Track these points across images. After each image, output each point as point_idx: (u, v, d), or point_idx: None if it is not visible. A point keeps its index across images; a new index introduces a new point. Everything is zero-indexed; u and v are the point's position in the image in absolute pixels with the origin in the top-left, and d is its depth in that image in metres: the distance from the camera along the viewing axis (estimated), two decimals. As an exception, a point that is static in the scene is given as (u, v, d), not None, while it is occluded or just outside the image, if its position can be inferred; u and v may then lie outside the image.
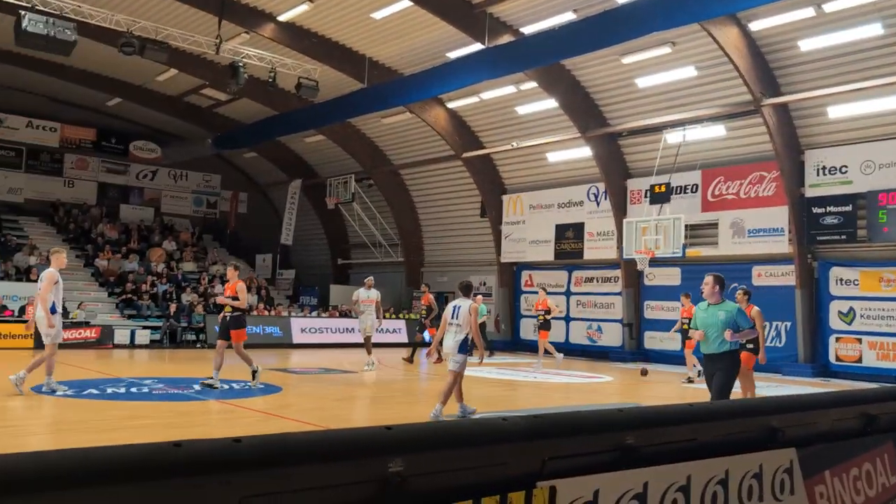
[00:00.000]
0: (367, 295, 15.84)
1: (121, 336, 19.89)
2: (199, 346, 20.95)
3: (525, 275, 24.48)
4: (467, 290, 9.17)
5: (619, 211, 20.83)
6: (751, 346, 10.08)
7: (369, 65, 21.25)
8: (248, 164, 32.26)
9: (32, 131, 27.35)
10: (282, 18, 19.38)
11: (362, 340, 16.15)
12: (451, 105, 22.85)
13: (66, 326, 19.36)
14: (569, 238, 22.58)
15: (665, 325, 20.51)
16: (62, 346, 18.48)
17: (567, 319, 22.80)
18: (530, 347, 23.29)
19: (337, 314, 25.19)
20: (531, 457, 2.66)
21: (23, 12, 15.68)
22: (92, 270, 24.30)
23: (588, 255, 22.11)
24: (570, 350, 22.22)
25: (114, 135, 29.19)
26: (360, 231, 28.97)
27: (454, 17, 18.04)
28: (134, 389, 10.62)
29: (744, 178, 18.74)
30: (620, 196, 21.04)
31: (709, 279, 7.22)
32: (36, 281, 20.97)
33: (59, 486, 1.73)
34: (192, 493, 1.95)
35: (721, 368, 7.08)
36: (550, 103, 20.58)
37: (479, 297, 16.94)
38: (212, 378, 11.03)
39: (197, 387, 10.95)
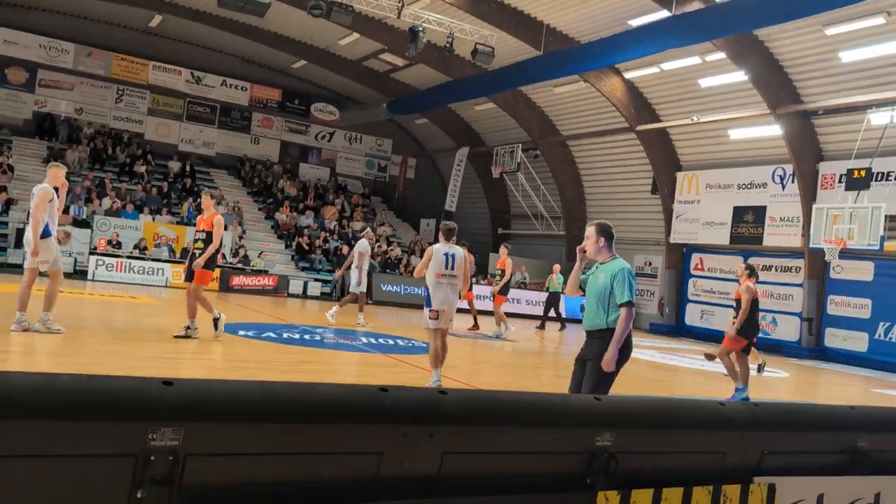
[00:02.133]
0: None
1: (295, 286, 21.06)
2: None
3: (696, 258, 23.29)
4: (451, 234, 7.82)
5: (808, 196, 19.20)
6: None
7: (546, 31, 20.79)
8: (419, 130, 32.88)
9: (226, 90, 29.32)
10: (463, -17, 19.36)
11: (356, 297, 14.18)
12: (628, 75, 21.96)
13: (246, 274, 20.81)
14: (747, 222, 21.16)
15: (850, 323, 18.86)
16: (242, 291, 19.87)
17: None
18: (695, 334, 22.27)
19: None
20: (749, 448, 2.38)
21: (225, -25, 16.74)
22: (272, 223, 25.85)
23: (768, 241, 20.62)
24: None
25: (297, 96, 30.70)
26: (522, 202, 28.76)
27: (641, -18, 17.23)
28: (307, 336, 11.12)
29: (962, 167, 16.66)
30: (810, 180, 19.38)
31: (590, 230, 5.16)
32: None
33: (281, 416, 1.69)
34: (399, 440, 1.87)
35: (595, 356, 4.91)
36: (738, 76, 19.22)
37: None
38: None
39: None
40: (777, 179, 20.41)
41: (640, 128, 22.69)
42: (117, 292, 15.69)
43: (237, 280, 20.11)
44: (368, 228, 15.78)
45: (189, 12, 24.04)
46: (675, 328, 23.11)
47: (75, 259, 19.11)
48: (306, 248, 24.10)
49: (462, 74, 23.46)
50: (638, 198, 25.11)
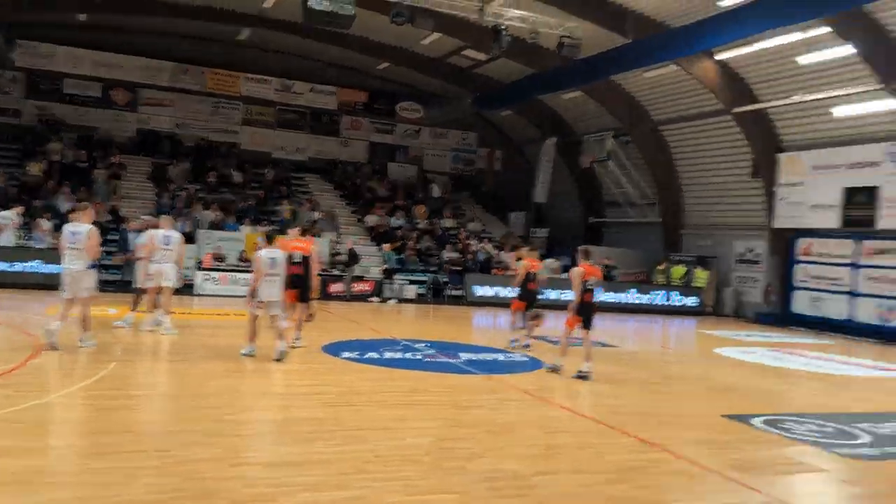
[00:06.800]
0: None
1: (389, 290, 21.33)
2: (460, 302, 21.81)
3: (803, 242, 22.21)
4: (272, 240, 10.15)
5: (926, 174, 17.98)
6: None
7: (633, 18, 20.18)
8: (504, 122, 32.62)
9: (314, 95, 29.93)
10: (545, -24, 18.96)
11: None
12: (720, 56, 21.06)
13: (344, 280, 21.18)
14: (859, 203, 19.99)
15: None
16: (340, 298, 20.19)
17: (853, 294, 20.41)
18: (805, 322, 21.36)
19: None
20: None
21: (308, -9, 16.95)
22: (364, 226, 26.24)
23: (883, 223, 19.40)
24: (857, 330, 19.96)
25: (383, 96, 31.00)
26: (614, 189, 28.16)
27: (734, -39, 16.44)
28: (409, 355, 11.21)
29: None
30: (928, 157, 18.13)
31: None
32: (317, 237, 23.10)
33: None
34: None
35: None
36: (843, 51, 18.13)
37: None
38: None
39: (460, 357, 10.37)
40: (891, 157, 19.17)
41: (736, 109, 21.79)
42: (223, 308, 16.28)
43: (334, 287, 20.52)
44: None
45: (275, 23, 24.54)
46: (781, 317, 22.17)
47: (184, 274, 19.82)
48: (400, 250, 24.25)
49: (548, 66, 23.05)
50: (737, 181, 24.15)
